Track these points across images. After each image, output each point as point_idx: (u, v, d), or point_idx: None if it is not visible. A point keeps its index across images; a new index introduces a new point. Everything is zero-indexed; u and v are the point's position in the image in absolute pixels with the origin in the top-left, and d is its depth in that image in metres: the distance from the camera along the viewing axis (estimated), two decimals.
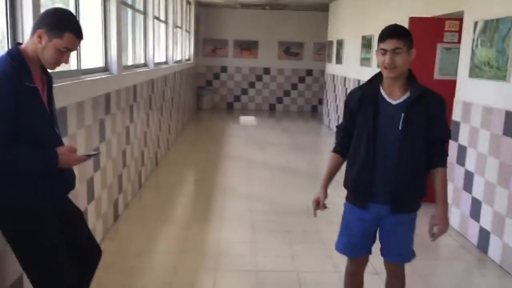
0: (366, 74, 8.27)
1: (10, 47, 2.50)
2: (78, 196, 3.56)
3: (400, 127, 2.44)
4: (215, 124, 11.94)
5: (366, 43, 8.81)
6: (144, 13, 6.80)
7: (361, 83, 2.73)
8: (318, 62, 14.56)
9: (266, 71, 14.77)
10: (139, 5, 6.65)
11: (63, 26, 2.21)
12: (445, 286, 3.78)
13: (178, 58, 10.29)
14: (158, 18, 7.79)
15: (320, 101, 14.53)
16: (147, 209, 5.32)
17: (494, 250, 4.19)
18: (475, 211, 4.53)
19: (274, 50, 14.67)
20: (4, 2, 2.80)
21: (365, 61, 8.87)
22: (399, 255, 2.65)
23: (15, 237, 2.24)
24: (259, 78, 14.81)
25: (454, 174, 4.93)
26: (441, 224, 2.49)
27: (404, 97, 2.48)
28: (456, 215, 4.89)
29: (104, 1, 4.70)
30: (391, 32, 2.42)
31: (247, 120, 12.94)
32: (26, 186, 2.20)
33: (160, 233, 4.60)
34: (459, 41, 5.21)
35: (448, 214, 2.53)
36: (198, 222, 4.91)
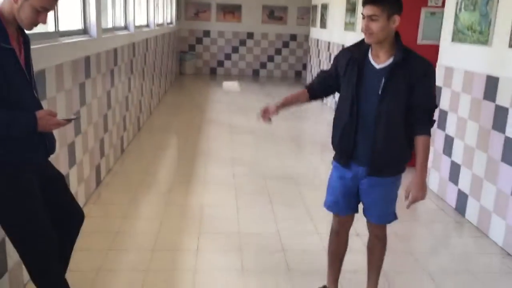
0: (350, 38, 8.23)
1: None
2: (59, 160, 3.53)
3: (380, 92, 2.46)
4: (197, 89, 11.84)
5: (351, 7, 8.72)
6: None
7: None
8: (302, 26, 14.41)
9: (250, 35, 14.59)
10: None
11: None
12: (423, 247, 3.88)
13: (160, 22, 10.08)
14: None
15: (304, 67, 14.46)
16: (129, 174, 5.31)
17: (472, 212, 4.30)
18: (454, 174, 4.62)
19: (258, 14, 14.46)
20: None
21: (349, 26, 8.80)
22: (377, 216, 2.72)
23: None
24: (242, 43, 14.63)
25: (435, 139, 4.99)
26: (414, 190, 2.50)
27: (388, 62, 2.49)
28: (436, 178, 4.99)
29: None
30: None
31: (230, 85, 12.85)
32: (5, 150, 2.17)
33: (143, 197, 4.61)
34: (443, 5, 5.19)
35: (425, 182, 2.52)
36: (181, 186, 4.92)
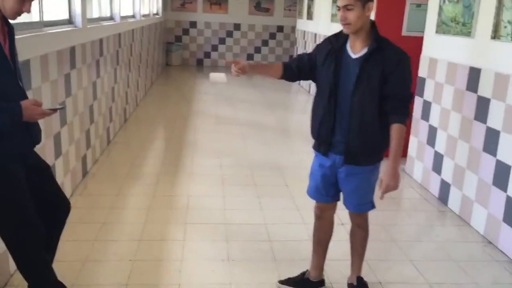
0: (336, 30, 8.20)
1: None
2: (45, 151, 3.52)
3: (354, 81, 2.51)
4: (184, 81, 11.80)
5: None
6: None
7: None
8: (289, 18, 14.40)
9: (237, 27, 14.54)
10: None
11: None
12: (406, 235, 3.95)
13: (146, 12, 10.02)
14: None
15: (291, 58, 14.43)
16: (116, 165, 5.31)
17: (454, 201, 4.37)
18: (437, 164, 4.69)
19: (245, 5, 14.40)
20: None
21: (335, 17, 8.83)
22: (354, 205, 2.77)
23: None
24: (229, 34, 14.57)
25: (419, 129, 5.06)
26: (386, 179, 2.50)
27: (363, 51, 2.53)
28: (419, 168, 5.06)
29: None
30: None
31: (217, 76, 12.82)
32: None
33: (130, 188, 4.61)
34: None
35: (397, 170, 2.51)
36: (167, 177, 4.93)
